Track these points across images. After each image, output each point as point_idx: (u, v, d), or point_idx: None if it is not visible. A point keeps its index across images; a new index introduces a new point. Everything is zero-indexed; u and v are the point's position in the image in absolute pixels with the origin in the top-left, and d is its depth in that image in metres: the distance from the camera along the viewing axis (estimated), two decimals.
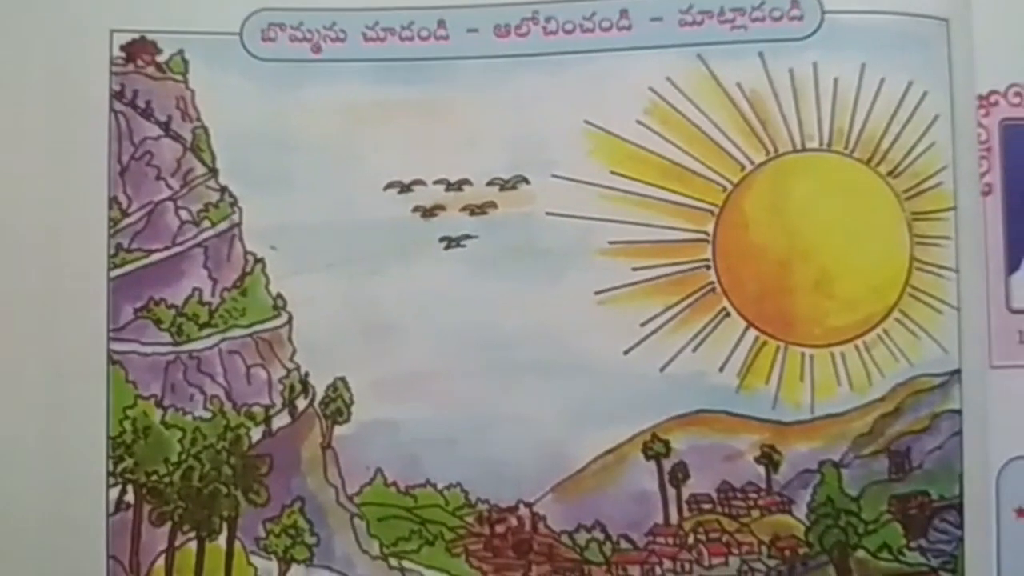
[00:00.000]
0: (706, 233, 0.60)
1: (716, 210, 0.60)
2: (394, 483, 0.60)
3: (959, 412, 0.59)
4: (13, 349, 0.60)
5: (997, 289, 0.60)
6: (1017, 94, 0.61)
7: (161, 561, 0.60)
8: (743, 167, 0.61)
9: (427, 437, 0.60)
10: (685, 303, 0.60)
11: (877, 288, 0.59)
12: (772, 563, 0.59)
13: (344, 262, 0.60)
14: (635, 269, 0.60)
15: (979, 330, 0.59)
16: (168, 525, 0.60)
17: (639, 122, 0.61)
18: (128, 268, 0.60)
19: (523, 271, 0.60)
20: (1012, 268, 0.60)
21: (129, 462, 0.60)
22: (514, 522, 0.60)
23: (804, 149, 0.60)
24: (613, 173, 0.60)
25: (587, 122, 0.61)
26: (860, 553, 0.59)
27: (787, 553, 0.59)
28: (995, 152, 0.61)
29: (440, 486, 0.60)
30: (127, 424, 0.60)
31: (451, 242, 0.60)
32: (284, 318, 0.61)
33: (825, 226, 0.59)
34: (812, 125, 0.60)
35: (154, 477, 0.60)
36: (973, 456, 0.58)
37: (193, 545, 0.60)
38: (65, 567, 0.59)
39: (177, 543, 0.60)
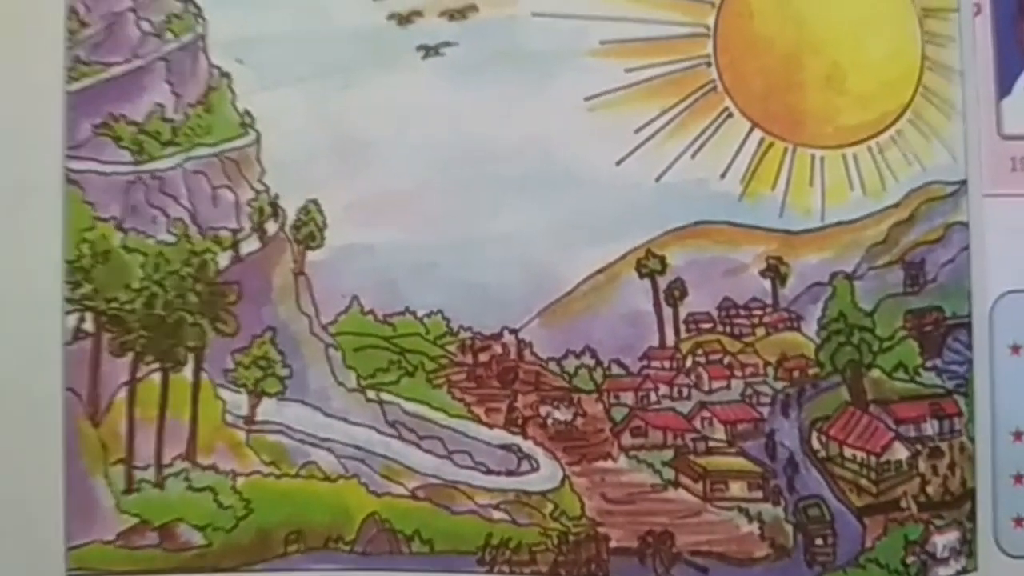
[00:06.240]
0: (706, 27, 0.57)
1: (717, 0, 0.57)
2: (371, 311, 0.57)
3: (967, 225, 0.56)
4: None
5: (988, 114, 0.57)
6: None
7: (123, 394, 0.57)
8: None
9: (406, 261, 0.57)
10: (683, 105, 0.57)
11: (890, 84, 0.56)
12: (779, 385, 0.57)
13: (315, 75, 0.58)
14: (628, 70, 0.57)
15: (981, 139, 0.56)
16: (130, 356, 0.57)
17: None
18: (86, 82, 0.58)
19: (507, 79, 0.57)
20: (1003, 93, 0.57)
21: (87, 288, 0.57)
22: (499, 350, 0.57)
23: None
24: None
25: None
26: (875, 373, 0.56)
27: (796, 374, 0.57)
28: None
29: (420, 313, 0.57)
30: (85, 247, 0.57)
31: (429, 50, 0.57)
32: (252, 136, 0.58)
33: (836, 15, 0.56)
34: None
35: (114, 304, 0.57)
36: (978, 273, 0.56)
37: (157, 377, 0.57)
38: (19, 399, 0.56)
39: (140, 375, 0.57)
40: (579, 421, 0.57)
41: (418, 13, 0.57)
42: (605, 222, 0.56)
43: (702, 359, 0.57)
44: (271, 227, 0.58)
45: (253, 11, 0.58)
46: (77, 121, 0.58)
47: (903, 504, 0.56)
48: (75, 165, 0.57)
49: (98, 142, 0.58)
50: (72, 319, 0.57)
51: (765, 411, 0.57)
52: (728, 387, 0.57)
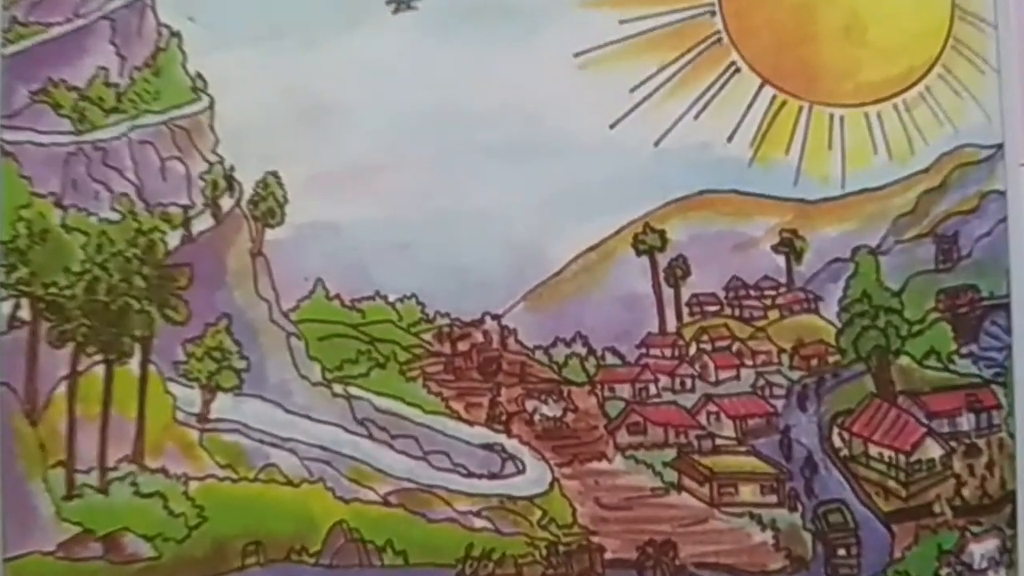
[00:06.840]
0: None
1: None
2: (337, 296, 0.55)
3: (1005, 194, 0.53)
4: None
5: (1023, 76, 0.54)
6: None
7: (62, 388, 0.55)
8: None
9: (375, 240, 0.55)
10: (685, 59, 0.55)
11: (917, 36, 0.54)
12: (795, 375, 0.55)
13: (274, 34, 0.55)
14: (623, 22, 0.55)
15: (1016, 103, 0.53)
16: (70, 346, 0.55)
17: None
18: (23, 44, 0.56)
19: (487, 34, 0.55)
20: None
21: (23, 271, 0.55)
22: (479, 338, 0.55)
23: None
24: None
25: None
26: (903, 360, 0.54)
27: (814, 362, 0.54)
28: None
29: (392, 298, 0.55)
30: (21, 227, 0.55)
31: (400, 3, 0.56)
32: (204, 102, 0.56)
33: None
34: None
35: (53, 289, 0.55)
36: (1017, 248, 0.53)
37: (100, 370, 0.55)
38: None
39: (81, 367, 0.55)
40: (570, 417, 0.55)
41: None
42: (597, 193, 0.54)
43: (708, 346, 0.55)
44: (226, 203, 0.56)
45: None
46: (13, 87, 0.56)
47: (936, 509, 0.53)
48: (10, 136, 0.56)
49: (36, 110, 0.56)
50: (7, 306, 0.55)
51: (779, 404, 0.55)
52: (737, 377, 0.55)
